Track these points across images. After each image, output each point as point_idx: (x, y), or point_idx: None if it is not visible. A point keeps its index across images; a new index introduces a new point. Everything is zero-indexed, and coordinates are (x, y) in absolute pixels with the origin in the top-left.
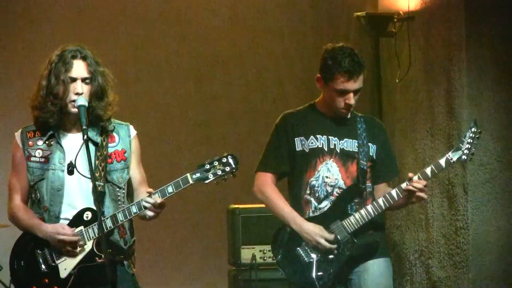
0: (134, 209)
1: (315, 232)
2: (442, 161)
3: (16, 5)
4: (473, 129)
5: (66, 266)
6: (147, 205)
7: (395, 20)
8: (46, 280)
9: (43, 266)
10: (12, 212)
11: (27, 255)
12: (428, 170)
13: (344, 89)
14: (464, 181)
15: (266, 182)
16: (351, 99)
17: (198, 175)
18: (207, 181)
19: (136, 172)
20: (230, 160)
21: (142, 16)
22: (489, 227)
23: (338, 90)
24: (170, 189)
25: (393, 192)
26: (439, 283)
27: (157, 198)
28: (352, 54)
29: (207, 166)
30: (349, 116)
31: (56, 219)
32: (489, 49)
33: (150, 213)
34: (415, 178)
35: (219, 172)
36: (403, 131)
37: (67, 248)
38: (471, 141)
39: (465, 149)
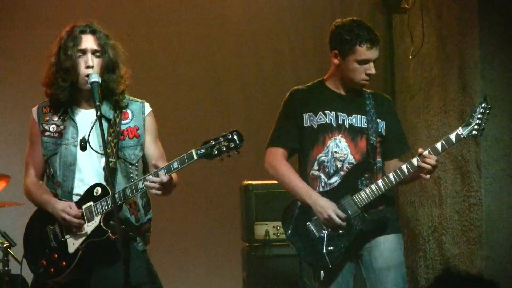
0: (141, 184)
1: (328, 206)
2: (453, 136)
3: None
4: (483, 105)
5: (74, 241)
6: (152, 184)
7: None
8: (55, 256)
9: (53, 242)
10: (26, 188)
11: (40, 231)
12: (438, 145)
13: (366, 58)
14: (477, 158)
15: (277, 157)
16: (372, 68)
17: (203, 151)
18: (211, 157)
19: (152, 149)
20: (235, 137)
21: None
22: (502, 204)
23: (360, 61)
24: (175, 165)
25: (404, 167)
26: (452, 259)
27: (163, 175)
28: (366, 25)
29: (212, 142)
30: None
31: (69, 194)
32: (502, 25)
33: (156, 191)
34: (425, 153)
35: (224, 148)
36: (416, 108)
37: (70, 225)
38: (482, 116)
39: (475, 124)
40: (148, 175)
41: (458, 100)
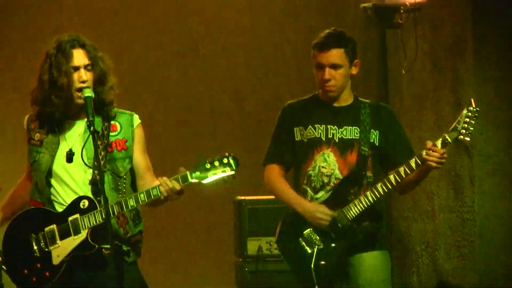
0: (131, 202)
1: (316, 208)
2: (438, 143)
3: None
4: (469, 108)
5: (59, 253)
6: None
7: (402, 11)
8: (38, 265)
9: (36, 251)
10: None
11: (21, 238)
12: (418, 156)
13: (318, 62)
14: (471, 173)
15: (272, 173)
16: (326, 74)
17: (198, 173)
18: (205, 181)
19: (141, 160)
20: (231, 161)
21: (151, 8)
22: (495, 219)
23: (315, 65)
24: (170, 184)
25: (392, 177)
26: (445, 275)
27: (176, 184)
28: (334, 30)
29: (207, 166)
30: (334, 95)
31: (49, 202)
32: (496, 39)
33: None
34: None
35: (219, 173)
36: (409, 122)
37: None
38: (468, 120)
39: (462, 128)
40: (152, 188)
41: (451, 114)
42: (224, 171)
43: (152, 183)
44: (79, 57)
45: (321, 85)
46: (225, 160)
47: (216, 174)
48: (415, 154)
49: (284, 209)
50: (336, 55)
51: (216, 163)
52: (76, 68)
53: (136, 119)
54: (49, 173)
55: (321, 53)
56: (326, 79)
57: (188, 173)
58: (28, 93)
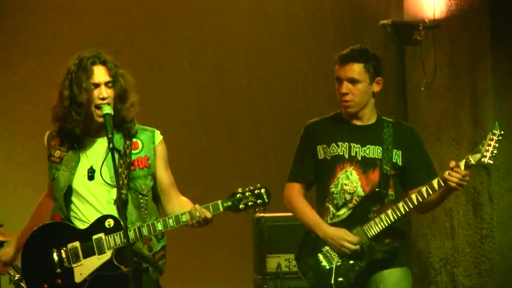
0: (159, 226)
1: (338, 235)
2: (462, 164)
3: None
4: (494, 131)
5: (82, 271)
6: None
7: (421, 28)
8: (59, 281)
9: (57, 266)
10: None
11: (42, 252)
12: (441, 177)
13: (337, 76)
14: (490, 189)
15: (293, 192)
16: (343, 87)
17: (229, 203)
18: (237, 211)
19: (164, 176)
20: (264, 194)
21: (164, 17)
22: None
23: (335, 79)
24: (202, 213)
25: (413, 196)
26: None
27: (207, 212)
28: (359, 47)
29: (240, 196)
30: (351, 110)
31: (68, 219)
32: None
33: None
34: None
35: (250, 204)
36: (429, 139)
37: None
38: (492, 143)
39: (485, 151)
40: (182, 214)
41: (471, 132)
42: (256, 203)
43: (177, 198)
44: (100, 74)
45: (340, 99)
46: (257, 192)
47: (247, 205)
48: (437, 175)
49: (304, 226)
50: (354, 69)
51: (248, 193)
52: (97, 85)
53: (158, 136)
54: (69, 191)
55: (341, 67)
56: (342, 92)
57: (220, 202)
58: (48, 108)
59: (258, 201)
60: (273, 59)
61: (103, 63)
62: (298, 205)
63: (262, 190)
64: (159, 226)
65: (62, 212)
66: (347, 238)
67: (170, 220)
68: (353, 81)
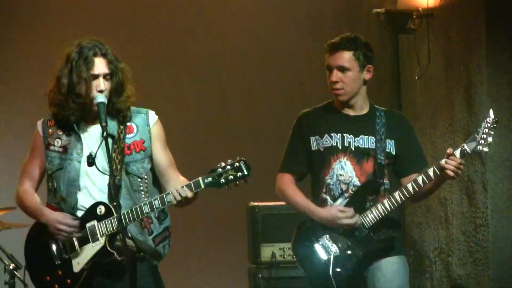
0: (146, 208)
1: (333, 215)
2: (457, 153)
3: None
4: (488, 119)
5: (79, 260)
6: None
7: (414, 17)
8: (60, 272)
9: (57, 259)
10: (19, 195)
11: (41, 245)
12: (442, 162)
13: (327, 64)
14: (484, 178)
15: (284, 182)
16: (333, 76)
17: (210, 179)
18: (218, 186)
19: (162, 156)
20: (242, 166)
21: (164, 10)
22: (509, 224)
23: (326, 68)
24: (183, 192)
25: (409, 186)
26: (459, 281)
27: (188, 191)
28: (348, 34)
29: (219, 171)
30: (342, 98)
31: (73, 209)
32: (508, 45)
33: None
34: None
35: (231, 178)
36: (423, 128)
37: (63, 235)
38: (487, 131)
39: (480, 139)
40: (166, 194)
41: (465, 120)
42: (236, 176)
43: (176, 178)
44: (100, 65)
45: (330, 88)
46: (237, 165)
47: (228, 179)
48: (427, 163)
49: (297, 215)
50: (344, 57)
51: (228, 167)
52: (95, 76)
53: (152, 116)
54: (78, 180)
55: (330, 55)
56: (333, 81)
57: (200, 179)
58: (44, 93)
59: (238, 174)
60: (269, 49)
61: (104, 55)
62: (289, 193)
63: (241, 163)
64: (146, 208)
65: (68, 202)
66: (342, 216)
67: (156, 201)
68: (342, 69)
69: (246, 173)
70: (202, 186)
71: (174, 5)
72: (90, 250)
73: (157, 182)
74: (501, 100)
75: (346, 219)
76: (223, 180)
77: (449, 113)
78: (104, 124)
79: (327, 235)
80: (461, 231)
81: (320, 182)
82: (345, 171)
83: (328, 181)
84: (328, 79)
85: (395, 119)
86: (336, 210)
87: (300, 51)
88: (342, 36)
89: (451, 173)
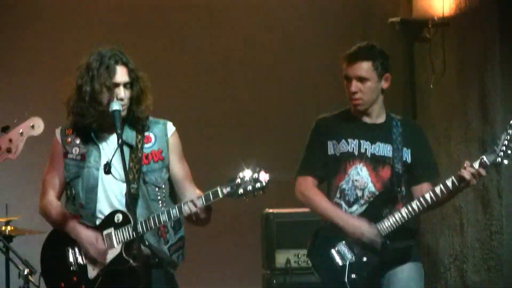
0: (163, 217)
1: (360, 225)
2: (476, 164)
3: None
4: (509, 131)
5: (94, 266)
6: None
7: (429, 25)
8: (74, 278)
9: (72, 264)
10: (44, 207)
11: (58, 251)
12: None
13: (345, 74)
14: (499, 186)
15: (307, 185)
16: (352, 86)
17: (228, 189)
18: (236, 196)
19: (178, 168)
20: (261, 177)
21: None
22: None
23: (344, 78)
24: (200, 202)
25: (427, 195)
26: None
27: (199, 202)
28: (366, 44)
29: (238, 181)
30: (361, 108)
31: (92, 216)
32: None
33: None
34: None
35: (249, 188)
36: (437, 136)
37: (91, 255)
38: (507, 143)
39: (500, 151)
40: (184, 204)
41: (479, 129)
42: (254, 186)
43: (192, 191)
44: (121, 74)
45: (349, 97)
46: (256, 175)
47: (247, 190)
48: (439, 174)
49: (312, 221)
50: (363, 68)
51: (247, 179)
52: (116, 85)
53: (170, 127)
54: (97, 187)
55: (349, 65)
56: (352, 91)
57: (219, 188)
58: (61, 102)
59: (257, 185)
60: (283, 57)
61: (125, 63)
62: (313, 196)
63: (261, 174)
64: (163, 217)
65: (87, 209)
66: (368, 230)
67: (174, 210)
68: (362, 79)
69: (264, 184)
70: (220, 195)
71: (182, 7)
72: (106, 257)
73: (174, 193)
74: None
75: (368, 236)
76: (241, 191)
77: (464, 122)
78: (119, 131)
79: (343, 242)
80: (476, 238)
81: (334, 187)
82: (360, 176)
83: (344, 186)
84: (347, 88)
85: (411, 128)
86: (367, 226)
87: (314, 60)
88: (359, 46)
89: (469, 178)
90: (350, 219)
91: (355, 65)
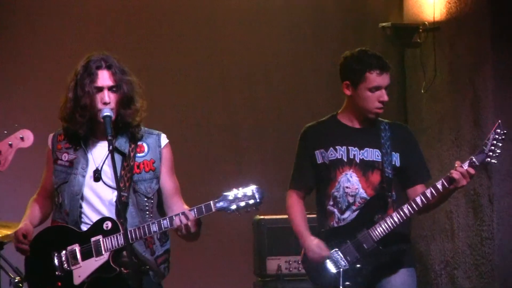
0: (154, 227)
1: (311, 246)
2: (465, 165)
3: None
4: (497, 130)
5: (80, 273)
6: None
7: (421, 30)
8: (59, 284)
9: (57, 269)
10: (28, 204)
11: (43, 256)
12: (445, 178)
13: (377, 85)
14: (490, 192)
15: (292, 201)
16: (385, 95)
17: (221, 204)
18: (229, 211)
19: (168, 182)
20: (256, 194)
21: (170, 23)
22: None
23: (371, 88)
24: (192, 214)
25: (418, 199)
26: None
27: (191, 215)
28: (374, 53)
29: (231, 197)
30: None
31: (76, 223)
32: None
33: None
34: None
35: (242, 204)
36: (429, 141)
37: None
38: (496, 142)
39: (489, 150)
40: (175, 215)
41: (471, 133)
42: (247, 203)
43: (180, 205)
44: (103, 78)
45: (375, 107)
46: (250, 192)
47: (239, 206)
48: (430, 175)
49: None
50: (389, 77)
51: (240, 194)
52: (99, 89)
53: (164, 139)
54: (80, 194)
55: (380, 75)
56: (386, 100)
57: (212, 202)
58: (57, 107)
59: (250, 201)
60: (274, 61)
61: (109, 67)
62: (291, 214)
63: (255, 191)
64: (154, 227)
65: (71, 216)
66: (315, 249)
67: (164, 221)
68: (387, 88)
69: (258, 200)
70: (213, 209)
71: (177, 10)
72: (92, 264)
73: (161, 207)
74: (507, 113)
75: (313, 255)
76: (234, 206)
77: (455, 126)
78: (110, 137)
79: (337, 249)
80: (467, 244)
81: (327, 194)
82: (351, 183)
83: (335, 193)
84: (376, 98)
85: (399, 132)
86: (316, 245)
87: (305, 64)
88: (379, 56)
89: (457, 176)
90: (307, 242)
91: (384, 74)
